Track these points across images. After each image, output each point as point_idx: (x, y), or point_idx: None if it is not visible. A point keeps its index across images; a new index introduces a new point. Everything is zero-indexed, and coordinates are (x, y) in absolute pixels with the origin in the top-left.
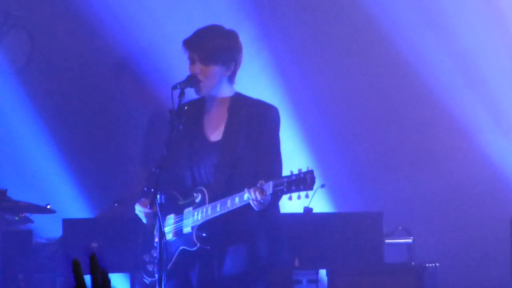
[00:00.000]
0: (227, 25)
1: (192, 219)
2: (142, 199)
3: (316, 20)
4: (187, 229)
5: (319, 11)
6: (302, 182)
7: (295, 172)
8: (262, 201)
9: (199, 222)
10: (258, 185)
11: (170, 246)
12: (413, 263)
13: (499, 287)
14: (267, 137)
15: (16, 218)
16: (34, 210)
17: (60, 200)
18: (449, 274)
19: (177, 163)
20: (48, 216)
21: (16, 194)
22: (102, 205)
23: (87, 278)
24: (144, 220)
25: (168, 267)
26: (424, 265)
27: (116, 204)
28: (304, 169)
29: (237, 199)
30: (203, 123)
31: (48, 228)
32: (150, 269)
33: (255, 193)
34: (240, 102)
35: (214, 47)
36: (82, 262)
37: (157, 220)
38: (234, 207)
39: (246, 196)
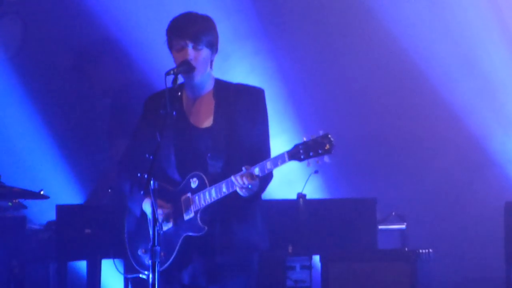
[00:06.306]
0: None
1: (194, 204)
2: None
3: (315, 14)
4: (189, 215)
5: (320, 8)
6: (320, 146)
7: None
8: (250, 186)
9: (203, 206)
10: (244, 170)
11: (170, 236)
12: (406, 249)
13: (493, 273)
14: (260, 120)
15: (10, 204)
16: (28, 196)
17: (54, 186)
18: (443, 260)
19: (161, 150)
20: (41, 202)
21: (9, 180)
22: (96, 191)
23: (78, 265)
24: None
25: (173, 257)
26: (417, 251)
27: (109, 190)
28: (314, 134)
29: (224, 187)
30: (184, 109)
31: (41, 214)
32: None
33: (242, 179)
34: (224, 87)
35: (203, 30)
36: (75, 248)
37: (151, 206)
38: (225, 195)
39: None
